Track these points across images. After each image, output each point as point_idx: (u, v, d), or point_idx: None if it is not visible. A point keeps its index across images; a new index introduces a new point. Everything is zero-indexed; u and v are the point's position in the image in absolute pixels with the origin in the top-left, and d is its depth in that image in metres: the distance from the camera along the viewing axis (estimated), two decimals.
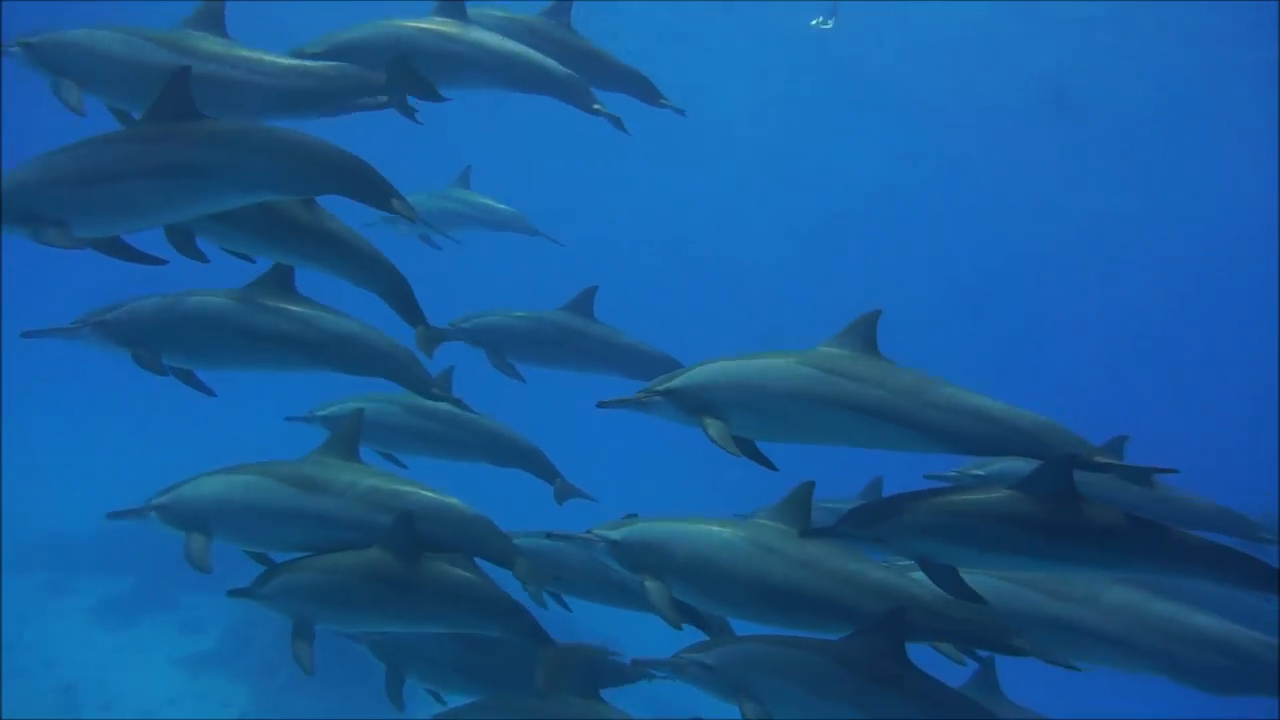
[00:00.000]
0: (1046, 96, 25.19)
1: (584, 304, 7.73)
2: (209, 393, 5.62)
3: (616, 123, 6.77)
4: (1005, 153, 28.80)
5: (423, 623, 5.05)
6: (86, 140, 4.72)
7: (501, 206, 11.17)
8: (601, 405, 5.14)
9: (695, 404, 4.90)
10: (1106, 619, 4.97)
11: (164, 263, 4.95)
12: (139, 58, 5.02)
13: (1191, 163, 26.69)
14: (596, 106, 6.51)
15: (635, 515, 5.20)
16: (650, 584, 4.69)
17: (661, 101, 7.04)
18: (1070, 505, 4.27)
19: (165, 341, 5.35)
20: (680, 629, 4.77)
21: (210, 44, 5.19)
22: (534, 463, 7.29)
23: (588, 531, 4.97)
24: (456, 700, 5.67)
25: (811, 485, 4.84)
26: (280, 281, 5.45)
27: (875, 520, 4.44)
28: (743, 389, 4.84)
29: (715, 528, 4.80)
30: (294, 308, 5.42)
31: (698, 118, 7.90)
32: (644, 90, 6.97)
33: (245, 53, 5.25)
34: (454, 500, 5.12)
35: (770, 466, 5.01)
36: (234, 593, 4.91)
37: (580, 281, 7.82)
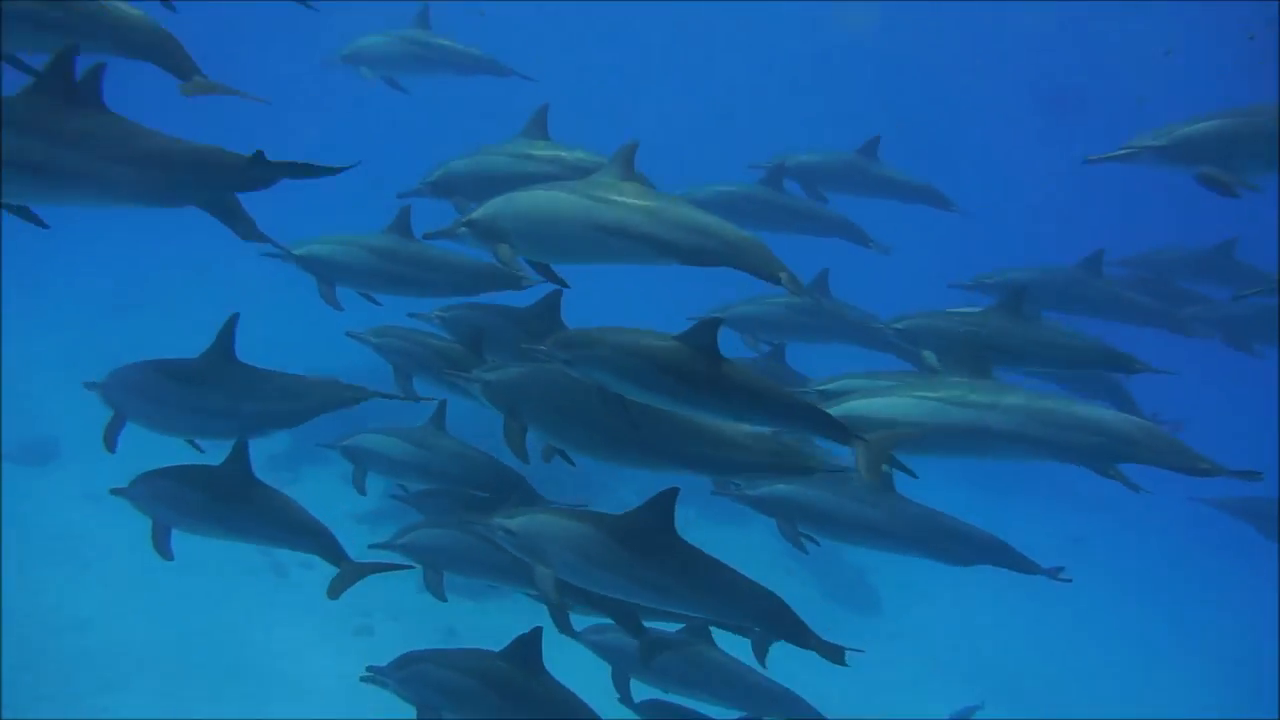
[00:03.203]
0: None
1: (402, 224, 7.36)
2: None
3: None
4: None
5: (248, 537, 5.62)
6: None
7: (465, 48, 10.60)
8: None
9: (488, 231, 5.60)
10: (1006, 418, 5.61)
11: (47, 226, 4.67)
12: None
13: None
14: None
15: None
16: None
17: None
18: (709, 361, 4.74)
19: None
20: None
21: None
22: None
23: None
24: None
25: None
26: None
27: (570, 345, 4.94)
28: (521, 216, 5.51)
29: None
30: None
31: None
32: None
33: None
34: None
35: (562, 284, 5.85)
36: (115, 491, 5.54)
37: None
